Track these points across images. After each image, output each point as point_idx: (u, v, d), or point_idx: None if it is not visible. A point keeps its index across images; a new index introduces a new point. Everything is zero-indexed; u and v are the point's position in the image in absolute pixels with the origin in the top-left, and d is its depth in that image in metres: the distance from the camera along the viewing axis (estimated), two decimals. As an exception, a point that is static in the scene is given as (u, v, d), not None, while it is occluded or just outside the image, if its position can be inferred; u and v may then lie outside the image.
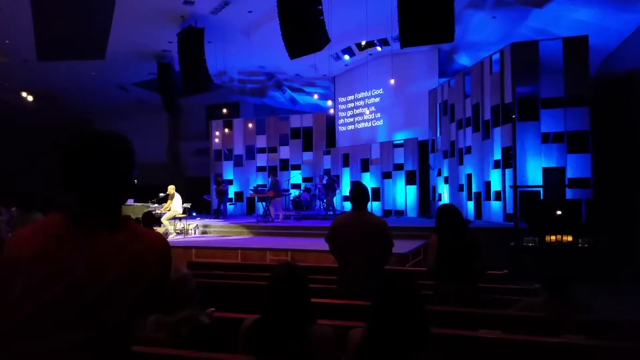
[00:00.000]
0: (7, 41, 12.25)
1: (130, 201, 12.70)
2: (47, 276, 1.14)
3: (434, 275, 3.62)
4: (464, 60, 14.19)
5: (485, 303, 3.54)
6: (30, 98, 16.67)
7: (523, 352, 2.40)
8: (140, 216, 6.43)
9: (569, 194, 9.71)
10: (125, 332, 1.20)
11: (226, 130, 17.54)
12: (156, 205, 11.84)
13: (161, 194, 11.65)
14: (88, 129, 1.31)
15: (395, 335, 1.90)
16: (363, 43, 13.99)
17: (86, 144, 1.26)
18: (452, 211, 3.70)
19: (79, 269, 1.15)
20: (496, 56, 10.84)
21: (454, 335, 2.52)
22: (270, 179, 13.29)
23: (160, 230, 10.65)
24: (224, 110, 19.31)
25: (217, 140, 17.58)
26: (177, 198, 11.20)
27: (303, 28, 9.35)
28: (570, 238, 8.21)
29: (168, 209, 11.09)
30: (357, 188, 3.89)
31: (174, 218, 11.29)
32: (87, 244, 1.19)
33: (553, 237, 8.19)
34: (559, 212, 8.40)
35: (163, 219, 10.92)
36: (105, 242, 1.20)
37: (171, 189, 11.24)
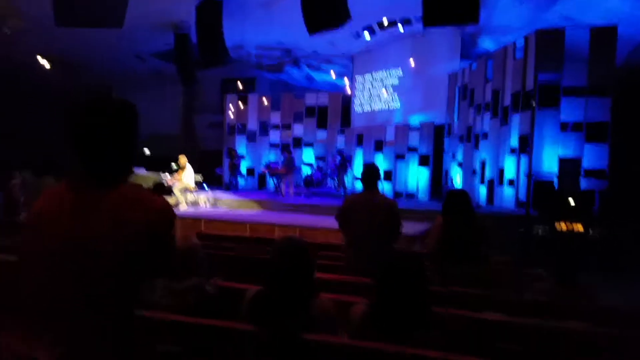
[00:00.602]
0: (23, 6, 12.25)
1: (142, 171, 12.82)
2: (46, 231, 1.23)
3: (435, 257, 3.63)
4: (487, 44, 13.87)
5: (485, 287, 3.54)
6: (47, 64, 16.74)
7: (528, 336, 2.39)
8: (152, 186, 6.51)
9: (584, 184, 9.58)
10: (124, 293, 1.22)
11: (241, 104, 17.50)
12: (168, 176, 11.93)
13: (173, 166, 11.72)
14: (95, 93, 1.37)
15: (397, 313, 1.91)
16: (385, 22, 13.73)
17: (86, 106, 1.29)
18: (460, 196, 3.71)
19: (68, 226, 1.21)
20: (520, 42, 10.58)
21: (457, 315, 2.52)
22: (285, 155, 13.28)
23: (171, 200, 10.76)
24: (240, 85, 19.23)
25: (231, 114, 17.56)
26: (189, 170, 11.25)
27: (324, 3, 9.19)
28: (581, 228, 8.14)
29: (179, 179, 11.16)
30: (369, 169, 3.97)
31: (186, 190, 11.38)
32: (75, 202, 1.24)
33: (564, 226, 8.11)
34: (571, 202, 8.31)
35: (175, 189, 11.02)
36: (92, 201, 1.23)
37: (182, 158, 11.27)
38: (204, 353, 2.15)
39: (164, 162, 13.06)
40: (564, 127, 9.83)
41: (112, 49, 15.85)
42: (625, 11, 9.94)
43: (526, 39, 10.31)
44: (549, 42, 9.81)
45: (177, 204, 10.96)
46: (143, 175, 12.33)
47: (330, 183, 14.77)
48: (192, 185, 11.36)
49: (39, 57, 15.36)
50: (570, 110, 9.76)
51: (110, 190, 1.25)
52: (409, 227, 7.49)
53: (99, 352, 1.21)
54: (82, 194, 1.25)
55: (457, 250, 3.52)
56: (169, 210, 1.32)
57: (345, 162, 13.31)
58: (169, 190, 10.58)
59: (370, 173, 3.91)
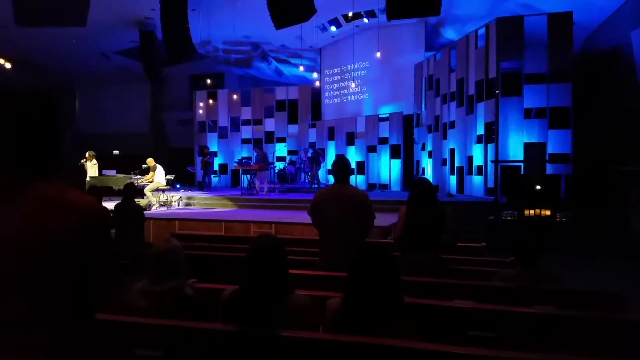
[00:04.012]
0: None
1: (112, 172, 12.59)
2: None
3: (400, 245, 3.70)
4: (450, 34, 14.11)
5: (452, 273, 3.65)
6: (7, 65, 16.17)
7: (495, 321, 2.50)
8: (122, 187, 6.42)
9: (549, 169, 9.90)
10: (49, 308, 1.09)
11: (210, 101, 17.32)
12: (139, 176, 11.76)
13: (144, 165, 11.57)
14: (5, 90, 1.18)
15: (369, 304, 1.97)
16: (350, 14, 13.81)
17: None
18: (423, 184, 3.77)
19: None
20: (481, 31, 10.81)
21: (428, 304, 2.61)
22: (256, 151, 13.25)
23: (143, 202, 10.61)
24: (208, 81, 19.00)
25: (201, 111, 17.36)
26: (160, 170, 11.13)
27: (289, -3, 9.19)
28: (548, 212, 8.41)
29: (150, 180, 11.03)
30: (339, 161, 3.94)
31: (157, 190, 11.24)
32: None
33: (532, 212, 8.37)
34: (538, 187, 8.57)
35: (146, 190, 10.87)
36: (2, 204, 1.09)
37: (150, 161, 11.17)
38: (183, 356, 2.17)
39: (133, 162, 12.83)
40: (528, 113, 10.12)
41: (75, 48, 15.44)
42: (580, -1, 10.30)
43: (487, 27, 10.54)
44: (509, 30, 10.07)
45: (149, 205, 10.83)
46: (114, 177, 12.11)
47: (304, 177, 14.81)
48: (164, 183, 11.23)
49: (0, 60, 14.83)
50: (532, 97, 10.06)
51: (24, 190, 1.11)
52: (384, 219, 7.62)
53: None
54: None
55: (419, 237, 3.61)
56: (96, 212, 1.15)
57: (318, 156, 13.37)
58: (140, 191, 10.44)
59: (340, 165, 3.89)
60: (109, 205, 6.44)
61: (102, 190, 6.58)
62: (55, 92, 1.24)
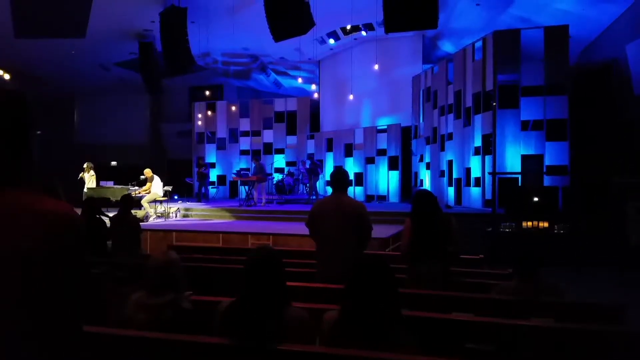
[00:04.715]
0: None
1: (110, 183, 12.57)
2: None
3: (407, 258, 3.70)
4: (447, 47, 14.23)
5: (455, 285, 3.64)
6: (7, 76, 16.23)
7: (494, 334, 2.49)
8: (119, 198, 6.42)
9: (547, 181, 9.92)
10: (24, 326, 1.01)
11: (209, 112, 17.38)
12: (136, 187, 11.74)
13: (142, 177, 11.56)
14: None
15: (367, 316, 1.96)
16: (348, 27, 13.91)
17: None
18: (426, 196, 3.78)
19: None
20: (479, 44, 10.90)
21: (426, 317, 2.59)
22: (254, 163, 13.26)
23: (140, 213, 10.58)
24: (207, 93, 19.07)
25: (200, 122, 17.41)
26: (157, 180, 11.11)
27: (288, 10, 9.24)
28: (546, 224, 8.41)
29: (148, 191, 11.00)
30: (337, 172, 3.97)
31: (155, 201, 11.21)
32: None
33: (530, 223, 8.38)
34: (536, 199, 8.58)
35: (143, 202, 10.85)
36: None
37: (148, 172, 11.16)
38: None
39: (131, 173, 12.82)
40: (525, 125, 10.17)
41: (75, 59, 15.49)
42: (575, 12, 10.41)
43: (484, 40, 10.63)
44: (505, 43, 10.16)
45: (146, 216, 10.79)
46: (111, 188, 12.09)
47: (302, 189, 14.81)
48: (161, 194, 11.20)
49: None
50: (529, 109, 10.12)
51: None
52: (382, 230, 7.62)
53: None
54: None
55: (425, 249, 3.60)
56: (70, 219, 1.07)
57: (316, 167, 13.39)
58: (137, 202, 10.41)
59: (338, 177, 3.91)
60: (106, 216, 6.43)
61: (98, 201, 6.57)
62: (50, 103, 1.18)
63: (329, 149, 15.57)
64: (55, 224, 1.03)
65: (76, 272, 1.07)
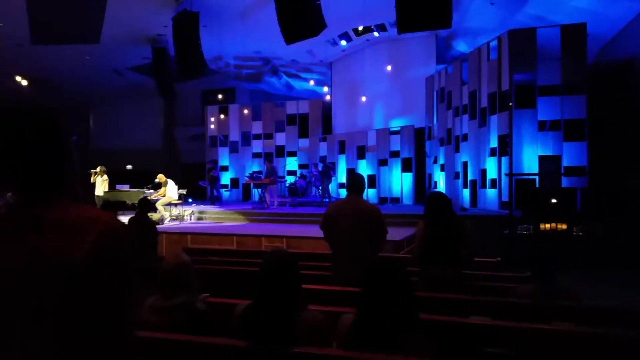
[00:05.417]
0: (0, 24, 12.10)
1: (125, 187, 12.69)
2: None
3: (419, 261, 3.65)
4: (461, 46, 14.11)
5: (469, 289, 3.57)
6: (24, 82, 16.53)
7: (512, 338, 2.43)
8: (137, 202, 6.46)
9: (565, 182, 9.75)
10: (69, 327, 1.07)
11: (222, 116, 17.48)
12: (151, 190, 11.83)
13: (156, 180, 11.66)
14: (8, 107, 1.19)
15: (383, 321, 1.92)
16: (360, 28, 13.88)
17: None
18: (439, 199, 3.72)
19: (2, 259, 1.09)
20: (494, 43, 10.79)
21: (443, 321, 2.54)
22: (266, 165, 13.29)
23: (155, 216, 10.66)
24: (220, 96, 19.20)
25: (212, 126, 17.52)
26: (172, 184, 11.20)
27: (299, 13, 9.25)
28: (564, 226, 8.27)
29: (163, 195, 11.10)
30: (354, 177, 3.96)
31: (170, 204, 11.30)
32: (7, 234, 1.11)
33: (548, 225, 8.24)
34: (553, 200, 8.44)
35: (158, 205, 10.93)
36: (24, 222, 1.11)
37: (161, 177, 11.30)
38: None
39: (146, 177, 12.93)
40: (542, 126, 10.02)
41: (89, 65, 15.73)
42: (593, 10, 10.23)
43: (499, 39, 10.51)
44: (521, 42, 10.03)
45: (161, 219, 10.87)
46: (127, 191, 12.20)
47: (315, 191, 14.79)
48: (176, 198, 11.29)
49: (17, 78, 15.18)
50: (547, 109, 9.96)
51: (44, 210, 1.12)
52: (396, 233, 7.55)
53: None
54: (15, 214, 1.14)
55: (438, 253, 3.55)
56: (116, 228, 1.13)
57: (328, 170, 13.36)
58: (153, 206, 10.49)
59: (356, 180, 3.90)
60: (124, 219, 6.47)
61: (115, 204, 6.61)
62: (66, 109, 1.23)
63: (342, 151, 15.53)
64: (103, 233, 1.09)
65: (123, 278, 1.13)
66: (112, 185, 12.29)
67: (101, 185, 12.00)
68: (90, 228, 1.09)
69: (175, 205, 11.53)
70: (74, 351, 1.06)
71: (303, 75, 17.65)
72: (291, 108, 16.71)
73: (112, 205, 6.21)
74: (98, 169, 12.10)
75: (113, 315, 1.11)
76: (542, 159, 9.97)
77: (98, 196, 11.67)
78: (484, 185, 11.14)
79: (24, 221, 1.11)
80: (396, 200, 14.05)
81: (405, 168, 13.97)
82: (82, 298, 1.06)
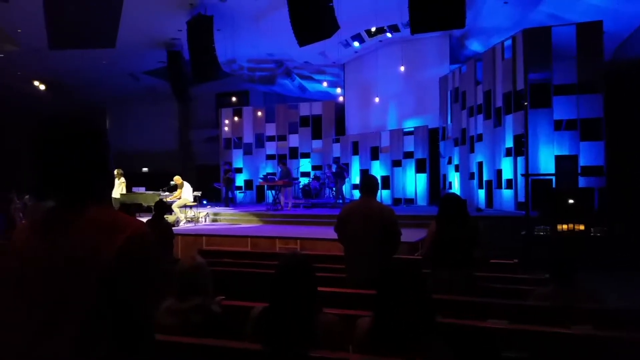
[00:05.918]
0: (19, 30, 12.33)
1: (141, 189, 12.82)
2: (14, 258, 1.20)
3: (429, 262, 3.62)
4: (475, 46, 13.99)
5: (482, 291, 3.53)
6: (42, 87, 16.84)
7: (530, 342, 2.40)
8: (152, 204, 6.52)
9: (582, 182, 9.60)
10: (96, 329, 1.12)
11: (236, 118, 17.58)
12: (167, 193, 11.95)
13: (171, 182, 11.78)
14: (56, 116, 1.26)
15: (400, 323, 1.91)
16: (373, 29, 13.85)
17: (42, 131, 1.24)
18: (452, 200, 3.69)
19: (33, 253, 1.17)
20: (508, 42, 10.68)
21: (460, 324, 2.52)
22: (280, 167, 13.33)
23: (171, 218, 10.75)
24: (234, 99, 19.33)
25: (226, 128, 17.64)
26: (187, 186, 11.30)
27: (312, 15, 9.27)
28: (582, 227, 8.13)
29: (179, 197, 11.20)
30: (368, 179, 3.96)
31: (185, 206, 11.39)
32: (42, 235, 1.18)
33: (565, 226, 8.11)
34: (571, 201, 8.32)
35: (174, 207, 11.04)
36: (58, 225, 1.18)
37: (177, 179, 11.39)
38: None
39: (161, 179, 13.07)
40: (558, 125, 9.89)
41: (105, 69, 15.94)
42: (609, 7, 10.07)
43: (514, 38, 10.40)
44: (536, 41, 9.91)
45: (177, 221, 10.97)
46: (143, 194, 12.33)
47: (329, 193, 14.78)
48: (191, 200, 11.40)
49: (35, 82, 15.45)
50: (562, 109, 9.83)
51: (78, 213, 1.18)
52: (410, 234, 7.51)
53: None
54: (49, 218, 1.20)
55: (449, 254, 3.52)
56: (144, 234, 1.19)
57: (342, 171, 13.34)
58: (169, 208, 10.59)
59: (368, 182, 3.89)
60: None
61: (132, 207, 6.70)
62: (89, 114, 1.28)
63: (355, 152, 15.51)
64: (131, 238, 1.16)
65: (148, 283, 1.19)
66: (128, 188, 12.43)
67: (118, 187, 12.15)
68: (120, 232, 1.15)
69: (191, 207, 11.63)
70: (96, 349, 1.11)
71: (316, 76, 17.67)
72: (304, 110, 16.74)
73: (129, 207, 6.29)
74: (115, 172, 12.25)
75: (136, 317, 1.16)
76: (558, 158, 9.83)
77: (115, 199, 11.82)
78: (499, 186, 11.02)
79: (59, 224, 1.17)
80: (410, 202, 13.98)
81: (419, 169, 13.89)
82: (111, 298, 1.11)
